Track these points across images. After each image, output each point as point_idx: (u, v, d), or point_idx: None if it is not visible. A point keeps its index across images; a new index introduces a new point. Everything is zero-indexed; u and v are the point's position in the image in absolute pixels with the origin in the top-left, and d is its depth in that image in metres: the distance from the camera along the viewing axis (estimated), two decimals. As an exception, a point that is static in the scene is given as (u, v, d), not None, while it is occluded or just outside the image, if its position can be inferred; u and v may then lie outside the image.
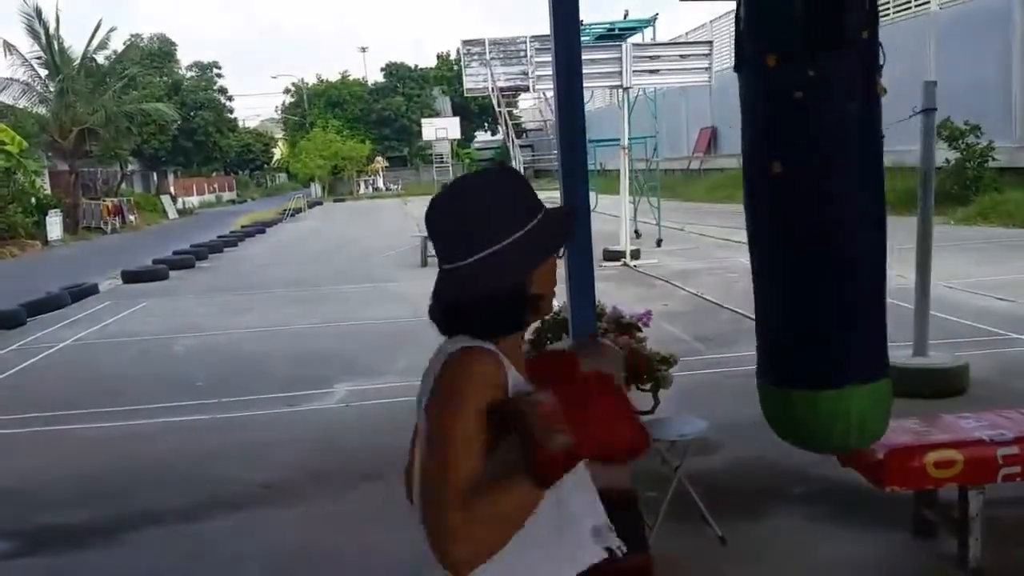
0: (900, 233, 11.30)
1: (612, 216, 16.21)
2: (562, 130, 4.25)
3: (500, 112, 17.06)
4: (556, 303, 1.75)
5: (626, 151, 15.41)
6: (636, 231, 16.86)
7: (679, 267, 14.05)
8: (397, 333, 9.89)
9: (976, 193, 18.46)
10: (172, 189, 52.09)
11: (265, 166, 75.31)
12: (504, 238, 1.47)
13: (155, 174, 53.58)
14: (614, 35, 16.07)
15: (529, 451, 1.36)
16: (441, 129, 47.14)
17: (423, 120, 50.46)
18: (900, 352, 6.60)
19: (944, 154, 17.98)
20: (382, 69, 62.63)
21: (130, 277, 16.74)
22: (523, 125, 39.18)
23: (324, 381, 7.83)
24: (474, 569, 1.38)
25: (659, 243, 16.78)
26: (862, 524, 4.20)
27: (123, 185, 41.91)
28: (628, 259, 14.71)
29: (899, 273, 10.05)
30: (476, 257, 1.47)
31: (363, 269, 16.84)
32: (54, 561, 4.40)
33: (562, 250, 1.57)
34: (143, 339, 10.80)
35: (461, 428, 1.39)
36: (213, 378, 8.27)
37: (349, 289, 14.25)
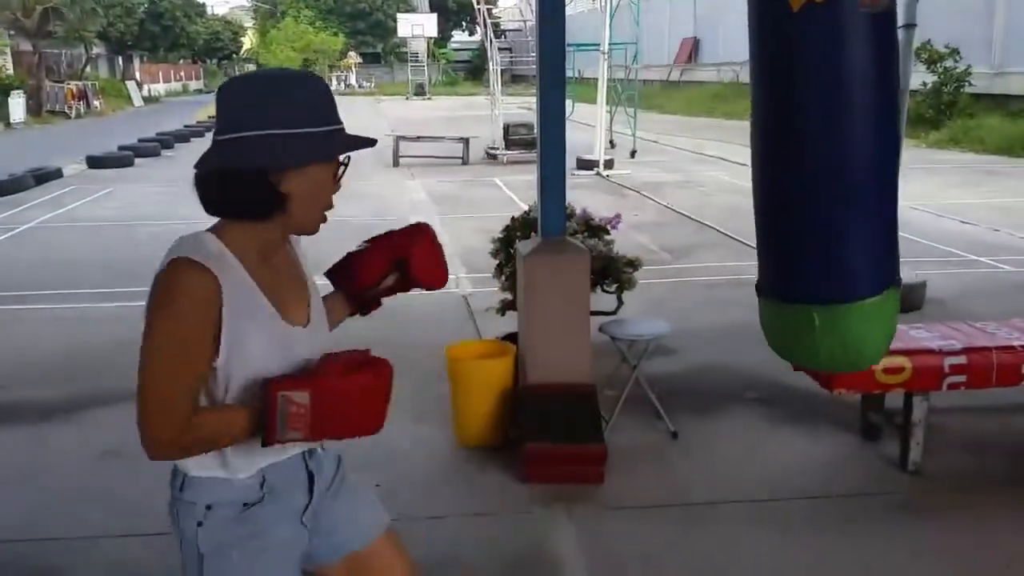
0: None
1: (587, 125, 16.08)
2: (542, 31, 4.20)
3: (479, 10, 16.69)
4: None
5: (606, 57, 15.18)
6: (611, 141, 16.77)
7: (651, 179, 14.06)
8: (364, 228, 9.84)
9: (950, 118, 18.52)
10: (138, 75, 50.56)
11: (234, 55, 73.13)
12: (270, 128, 1.50)
13: (121, 59, 51.87)
14: (599, -65, 15.66)
15: (267, 430, 1.55)
16: (417, 26, 45.85)
17: (399, 15, 49.02)
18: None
19: (922, 77, 17.95)
20: (358, -42, 60.54)
21: (95, 163, 16.42)
22: (502, 26, 38.25)
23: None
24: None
25: (633, 154, 16.72)
26: (810, 426, 4.37)
27: (88, 69, 40.62)
28: (601, 168, 14.67)
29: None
30: (239, 135, 1.51)
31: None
32: (20, 434, 4.45)
33: (338, 175, 1.62)
34: (109, 224, 10.68)
35: (175, 336, 1.51)
36: (180, 266, 8.23)
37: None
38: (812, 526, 3.49)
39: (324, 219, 1.64)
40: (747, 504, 3.65)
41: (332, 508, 1.79)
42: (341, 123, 1.60)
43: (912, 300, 6.31)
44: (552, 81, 4.18)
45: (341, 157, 1.62)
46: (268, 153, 1.51)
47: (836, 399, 4.30)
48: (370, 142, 1.63)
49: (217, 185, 1.56)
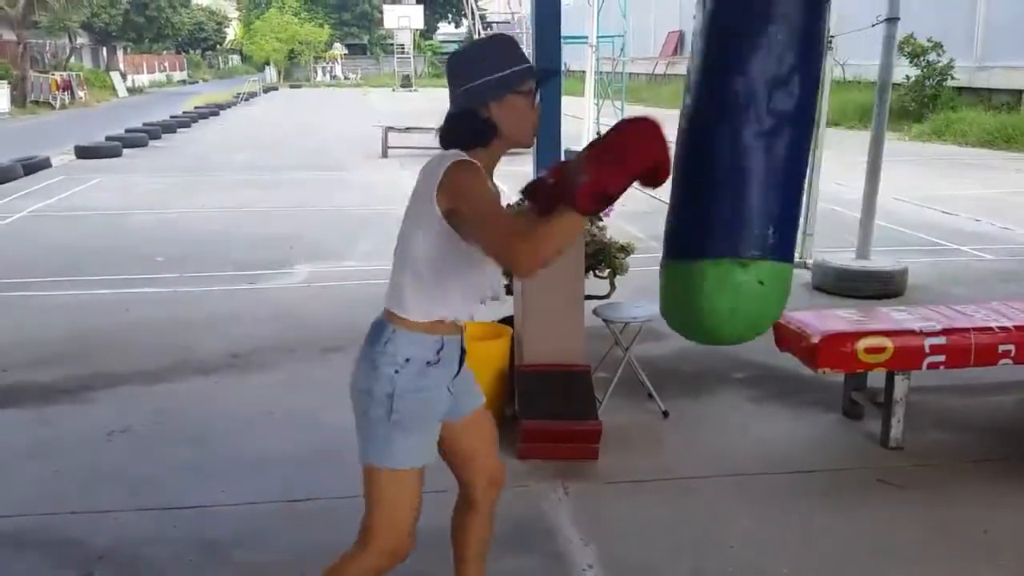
0: (852, 146, 11.45)
1: (575, 117, 16.19)
2: (539, 15, 4.33)
3: (467, 1, 16.74)
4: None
5: (593, 49, 15.28)
6: (598, 133, 16.87)
7: (638, 169, 14.17)
8: (358, 219, 9.98)
9: (932, 111, 18.75)
10: (122, 66, 50.32)
11: (218, 47, 72.90)
12: (473, 80, 2.14)
13: (105, 50, 51.55)
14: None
15: (568, 194, 1.96)
16: (404, 17, 45.90)
17: (385, 6, 48.98)
18: (844, 255, 6.93)
19: (905, 71, 18.17)
20: (344, -51, 60.32)
21: (83, 152, 16.42)
22: (487, 18, 38.20)
23: (285, 262, 7.93)
24: (536, 272, 2.00)
25: (620, 145, 16.82)
26: (795, 405, 4.53)
27: (72, 59, 40.40)
28: (588, 159, 14.77)
29: (839, 182, 10.37)
30: (458, 90, 2.18)
31: (323, 157, 16.69)
32: (27, 415, 4.54)
33: (535, 100, 2.19)
34: (99, 214, 10.73)
35: (488, 196, 2.08)
36: (172, 255, 8.31)
37: (309, 176, 14.17)
38: (797, 498, 3.63)
39: (535, 133, 2.23)
40: (735, 478, 3.80)
41: (460, 381, 2.38)
42: (526, 62, 2.17)
43: (895, 286, 6.50)
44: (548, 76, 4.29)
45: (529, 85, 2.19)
46: (485, 93, 2.14)
47: (819, 379, 4.47)
48: (546, 72, 2.43)
49: (452, 125, 2.18)
